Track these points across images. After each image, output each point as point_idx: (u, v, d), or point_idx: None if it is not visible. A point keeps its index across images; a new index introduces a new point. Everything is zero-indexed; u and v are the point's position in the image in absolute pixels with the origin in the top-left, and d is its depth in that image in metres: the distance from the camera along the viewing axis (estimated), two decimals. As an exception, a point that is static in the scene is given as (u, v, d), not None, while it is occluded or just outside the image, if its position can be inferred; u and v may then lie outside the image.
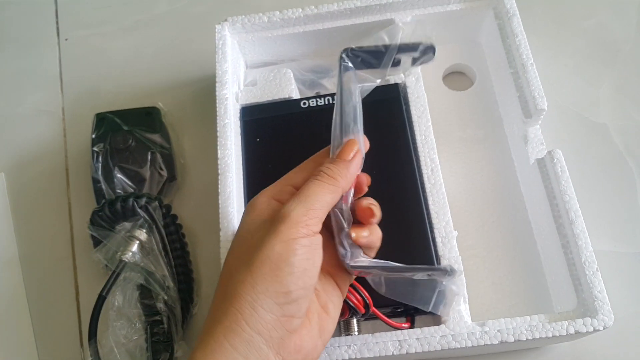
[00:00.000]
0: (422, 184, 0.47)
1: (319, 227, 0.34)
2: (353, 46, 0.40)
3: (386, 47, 0.40)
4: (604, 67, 0.59)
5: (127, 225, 0.51)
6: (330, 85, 0.58)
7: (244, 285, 0.32)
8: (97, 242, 0.51)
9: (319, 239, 0.34)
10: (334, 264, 0.37)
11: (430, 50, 0.40)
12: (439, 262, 0.44)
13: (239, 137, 0.52)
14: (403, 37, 0.40)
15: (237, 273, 0.33)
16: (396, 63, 0.40)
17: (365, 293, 0.41)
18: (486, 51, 0.59)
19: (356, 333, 0.44)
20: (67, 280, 0.54)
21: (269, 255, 0.32)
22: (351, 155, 0.37)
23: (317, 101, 0.52)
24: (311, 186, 0.35)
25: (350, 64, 0.40)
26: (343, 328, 0.44)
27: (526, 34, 0.52)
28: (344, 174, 0.36)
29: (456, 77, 0.60)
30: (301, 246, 0.33)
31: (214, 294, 0.34)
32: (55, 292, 0.54)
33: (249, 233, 0.35)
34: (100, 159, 0.54)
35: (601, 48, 0.60)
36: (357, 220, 0.38)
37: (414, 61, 0.41)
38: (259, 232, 0.34)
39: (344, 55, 0.40)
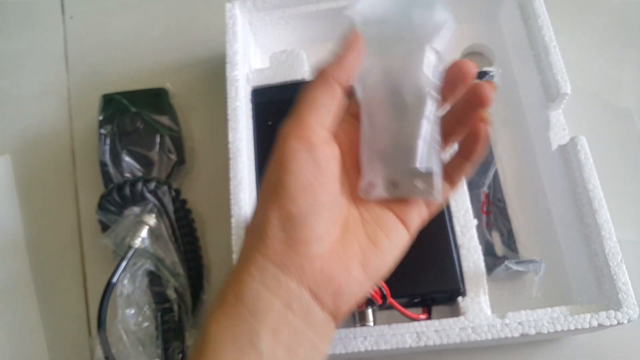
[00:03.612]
0: (440, 170, 0.46)
1: (322, 136, 0.30)
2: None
3: None
4: (627, 47, 0.57)
5: (135, 210, 0.49)
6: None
7: (252, 214, 0.30)
8: (105, 227, 0.50)
9: (327, 151, 0.30)
10: None
11: None
12: (457, 252, 0.43)
13: (250, 120, 0.50)
14: None
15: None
16: None
17: (382, 283, 0.40)
18: (505, 31, 0.57)
19: (372, 324, 0.43)
20: (74, 266, 0.53)
21: (269, 179, 0.30)
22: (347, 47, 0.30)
23: (331, 83, 0.50)
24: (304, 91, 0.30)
25: None
26: (358, 319, 0.43)
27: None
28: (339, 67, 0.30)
29: (474, 58, 0.57)
30: (296, 162, 0.29)
31: None
32: (63, 278, 0.53)
33: None
34: (107, 141, 0.53)
35: (625, 27, 0.58)
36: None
37: None
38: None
39: None
